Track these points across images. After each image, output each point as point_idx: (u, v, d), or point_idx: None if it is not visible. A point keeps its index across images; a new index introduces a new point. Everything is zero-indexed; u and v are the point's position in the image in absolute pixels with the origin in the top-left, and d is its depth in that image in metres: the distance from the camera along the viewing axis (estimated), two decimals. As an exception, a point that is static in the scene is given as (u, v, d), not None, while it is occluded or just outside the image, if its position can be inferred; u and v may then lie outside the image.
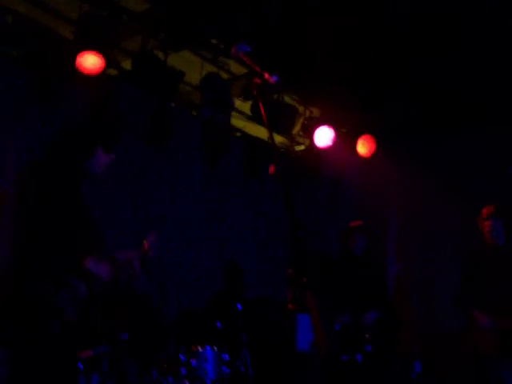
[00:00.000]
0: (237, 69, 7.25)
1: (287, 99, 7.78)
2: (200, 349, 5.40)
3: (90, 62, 5.83)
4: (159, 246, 3.82)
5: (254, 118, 7.53)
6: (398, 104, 7.51)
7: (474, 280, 5.60)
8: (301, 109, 7.98)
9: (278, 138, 8.24)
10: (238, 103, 7.45)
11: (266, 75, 2.87)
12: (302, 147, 8.65)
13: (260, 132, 8.12)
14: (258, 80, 2.88)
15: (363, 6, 5.84)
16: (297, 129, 8.15)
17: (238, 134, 8.15)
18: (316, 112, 8.15)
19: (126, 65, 6.39)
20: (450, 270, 7.77)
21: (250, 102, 7.45)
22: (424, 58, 6.64)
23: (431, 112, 7.62)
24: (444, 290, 7.80)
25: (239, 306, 5.81)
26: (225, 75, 7.11)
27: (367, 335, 5.54)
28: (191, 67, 6.89)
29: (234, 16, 6.25)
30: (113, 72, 6.35)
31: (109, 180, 6.61)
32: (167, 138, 6.89)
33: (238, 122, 7.89)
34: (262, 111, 2.89)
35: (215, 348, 5.46)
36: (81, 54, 5.83)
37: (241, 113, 7.71)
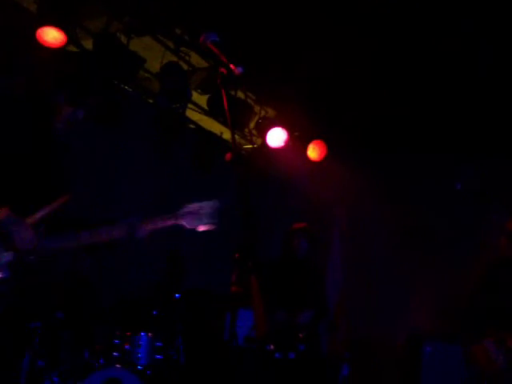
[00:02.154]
0: (197, 61, 7.28)
1: (243, 97, 7.84)
2: (134, 334, 5.42)
3: (51, 36, 5.77)
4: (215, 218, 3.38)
5: (210, 111, 7.57)
6: (354, 115, 7.68)
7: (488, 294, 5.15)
8: (256, 108, 8.05)
9: (229, 134, 8.27)
10: (194, 96, 7.47)
11: (232, 66, 2.91)
12: (253, 146, 8.71)
13: (213, 126, 8.16)
14: (223, 70, 2.92)
15: (331, 14, 5.95)
16: (250, 127, 8.22)
17: (192, 126, 8.16)
18: (271, 112, 8.24)
19: (87, 44, 6.35)
20: (389, 280, 7.99)
21: (206, 96, 7.49)
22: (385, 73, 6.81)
23: (384, 129, 7.83)
24: (380, 296, 8.01)
25: (177, 295, 5.85)
26: (185, 66, 7.12)
27: (301, 334, 5.64)
28: (152, 55, 6.88)
29: (200, 7, 6.28)
30: (73, 49, 6.29)
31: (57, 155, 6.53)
32: (119, 121, 6.85)
33: (192, 114, 7.91)
34: (225, 101, 2.94)
35: (149, 334, 5.48)
36: (42, 27, 5.77)
37: (197, 105, 7.73)
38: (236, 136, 8.48)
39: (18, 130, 3.19)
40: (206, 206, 3.39)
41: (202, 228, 3.40)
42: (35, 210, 3.07)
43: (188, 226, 3.38)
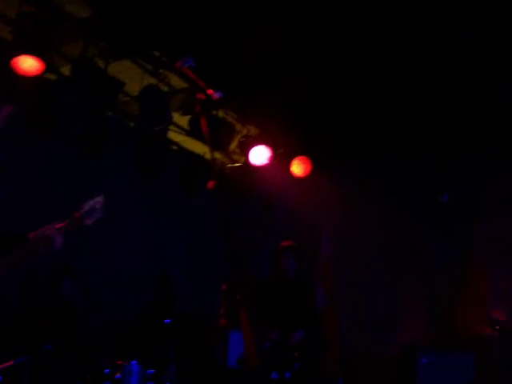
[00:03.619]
0: (177, 82, 7.24)
1: (225, 116, 7.81)
2: (125, 362, 5.33)
3: (28, 64, 5.70)
4: (104, 211, 3.54)
5: (192, 132, 7.52)
6: (337, 128, 7.67)
7: None
8: (238, 126, 8.01)
9: (214, 154, 8.21)
10: (176, 117, 7.43)
11: (210, 91, 2.87)
12: (237, 164, 8.67)
13: (196, 147, 8.12)
14: (201, 95, 2.88)
15: (308, 28, 5.94)
16: (233, 146, 8.18)
17: (175, 148, 8.11)
18: (254, 130, 8.20)
19: (65, 70, 6.29)
20: (379, 293, 7.95)
21: (188, 117, 7.45)
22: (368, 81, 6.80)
23: (369, 138, 7.82)
24: (372, 312, 7.96)
25: (168, 320, 5.77)
26: (165, 88, 7.07)
27: (296, 353, 5.58)
28: (131, 78, 6.83)
29: (177, 29, 6.25)
30: (51, 77, 6.23)
31: (41, 185, 6.48)
32: (102, 147, 6.81)
33: (175, 135, 7.86)
34: (205, 127, 2.90)
35: (141, 362, 5.40)
36: (18, 55, 5.70)
37: (178, 127, 7.69)
38: (219, 155, 8.44)
39: None
40: (96, 201, 3.58)
41: (91, 222, 3.57)
42: None
43: (90, 223, 3.56)
